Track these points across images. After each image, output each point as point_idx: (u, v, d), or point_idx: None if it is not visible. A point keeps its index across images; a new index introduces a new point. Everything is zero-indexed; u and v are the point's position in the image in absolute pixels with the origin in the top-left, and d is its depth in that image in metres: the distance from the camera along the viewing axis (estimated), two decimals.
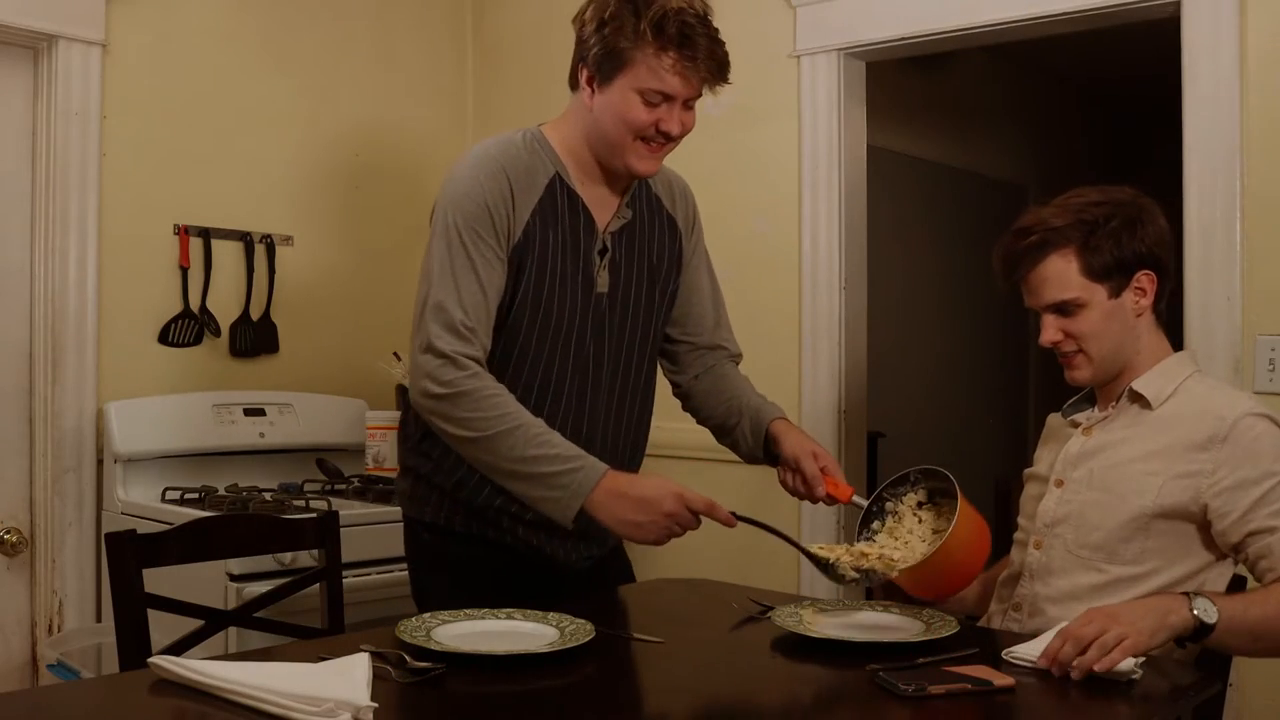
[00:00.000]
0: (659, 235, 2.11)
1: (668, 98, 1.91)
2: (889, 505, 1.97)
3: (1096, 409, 1.97)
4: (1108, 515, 1.84)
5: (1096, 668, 1.54)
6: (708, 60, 1.91)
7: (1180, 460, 1.80)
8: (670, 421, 2.25)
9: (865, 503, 1.97)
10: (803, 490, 2.01)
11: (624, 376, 2.07)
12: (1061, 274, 1.86)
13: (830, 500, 1.99)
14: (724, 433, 2.16)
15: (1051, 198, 1.94)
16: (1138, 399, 1.90)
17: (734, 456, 2.16)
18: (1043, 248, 1.87)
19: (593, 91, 1.95)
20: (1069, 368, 1.93)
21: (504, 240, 1.93)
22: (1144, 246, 1.86)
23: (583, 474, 1.82)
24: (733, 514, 1.83)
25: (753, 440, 2.10)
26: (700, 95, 1.96)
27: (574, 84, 2.01)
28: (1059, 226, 1.86)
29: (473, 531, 2.05)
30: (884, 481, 2.00)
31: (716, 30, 1.94)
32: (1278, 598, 1.70)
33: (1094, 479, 1.88)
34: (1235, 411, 1.80)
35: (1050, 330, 1.90)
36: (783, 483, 2.05)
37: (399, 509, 2.88)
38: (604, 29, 1.90)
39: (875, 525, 1.96)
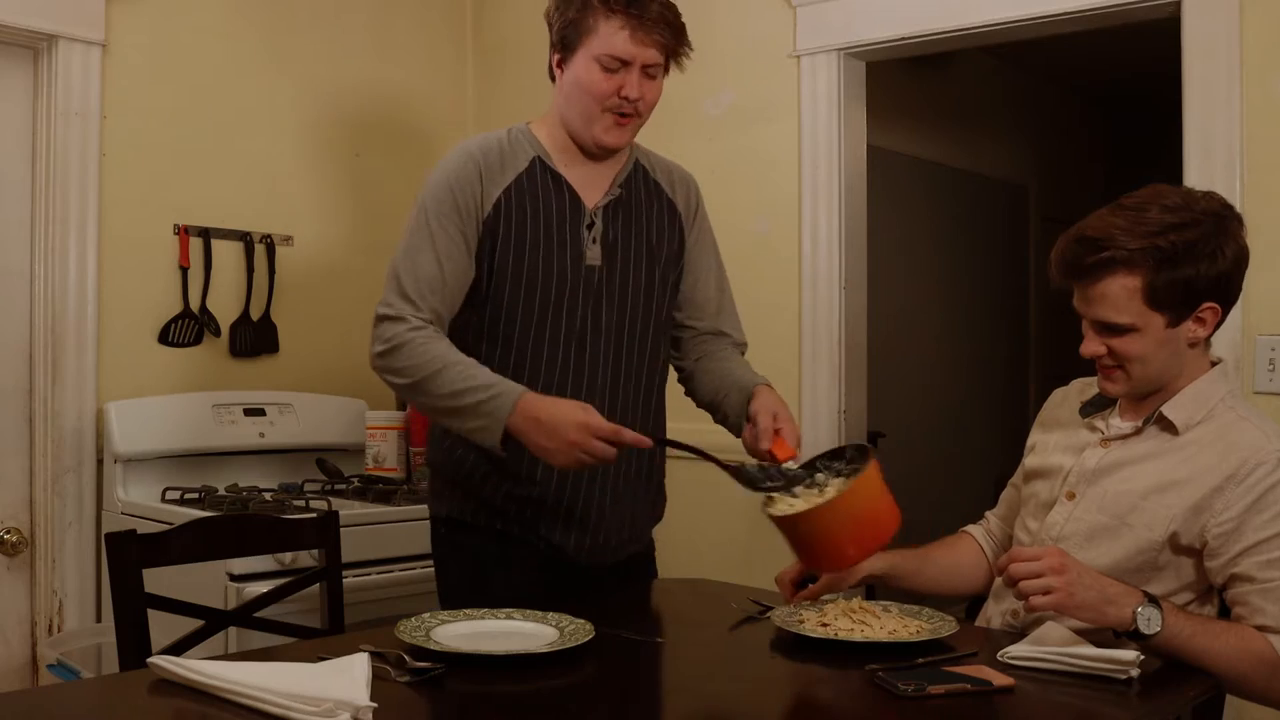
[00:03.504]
0: (658, 217, 2.15)
1: (625, 63, 1.98)
2: (819, 477, 1.90)
3: (1118, 416, 1.90)
4: (1116, 544, 1.80)
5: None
6: (658, 22, 1.97)
7: (1195, 496, 1.75)
8: (686, 423, 2.24)
9: (796, 467, 1.90)
10: (751, 443, 1.99)
11: (626, 355, 2.10)
12: (1121, 298, 1.75)
13: (771, 458, 1.94)
14: (715, 408, 2.16)
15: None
16: (1165, 422, 1.83)
17: (743, 457, 2.13)
18: (1108, 265, 1.74)
19: (561, 71, 2.04)
20: (1104, 378, 1.85)
21: (470, 218, 2.01)
22: (1215, 271, 1.74)
23: (501, 399, 1.88)
24: (651, 436, 1.87)
25: (739, 409, 2.08)
26: (660, 63, 2.02)
27: (551, 74, 2.10)
28: (1129, 249, 1.72)
29: (481, 523, 2.09)
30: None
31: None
32: (1226, 639, 1.67)
33: (1106, 501, 1.83)
34: (1259, 454, 1.73)
35: (1093, 344, 1.81)
36: (744, 439, 2.02)
37: (399, 508, 2.93)
38: (561, 5, 2.01)
39: (798, 490, 1.88)
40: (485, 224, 2.02)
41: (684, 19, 2.07)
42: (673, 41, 2.01)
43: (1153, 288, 1.74)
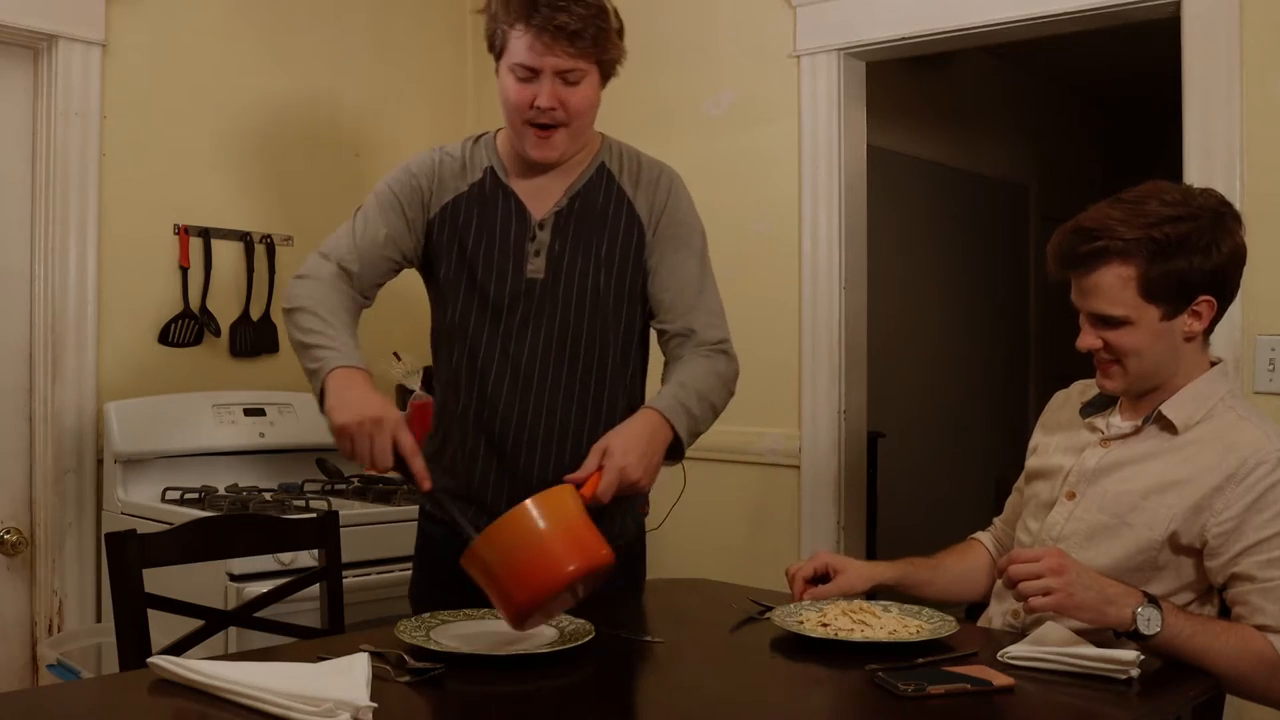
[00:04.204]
0: (612, 226, 2.06)
1: (535, 71, 1.95)
2: None
3: (1118, 416, 1.90)
4: (1116, 544, 1.80)
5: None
6: (563, 28, 1.91)
7: (1195, 495, 1.75)
8: None
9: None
10: None
11: (569, 367, 2.04)
12: (1115, 288, 1.75)
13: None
14: None
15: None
16: (1164, 421, 1.83)
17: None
18: (1103, 255, 1.75)
19: None
20: (1102, 374, 1.85)
21: (416, 204, 2.05)
22: (1211, 265, 1.74)
23: (341, 355, 1.88)
24: (431, 490, 1.82)
25: None
26: (578, 69, 1.95)
27: None
28: (1125, 239, 1.73)
29: (427, 509, 2.17)
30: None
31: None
32: (1226, 639, 1.67)
33: (1106, 500, 1.83)
34: (1259, 454, 1.73)
35: (1089, 337, 1.81)
36: None
37: (399, 509, 2.93)
38: (486, 18, 2.03)
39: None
40: (430, 224, 2.06)
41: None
42: (589, 47, 1.94)
43: (1147, 278, 1.74)
